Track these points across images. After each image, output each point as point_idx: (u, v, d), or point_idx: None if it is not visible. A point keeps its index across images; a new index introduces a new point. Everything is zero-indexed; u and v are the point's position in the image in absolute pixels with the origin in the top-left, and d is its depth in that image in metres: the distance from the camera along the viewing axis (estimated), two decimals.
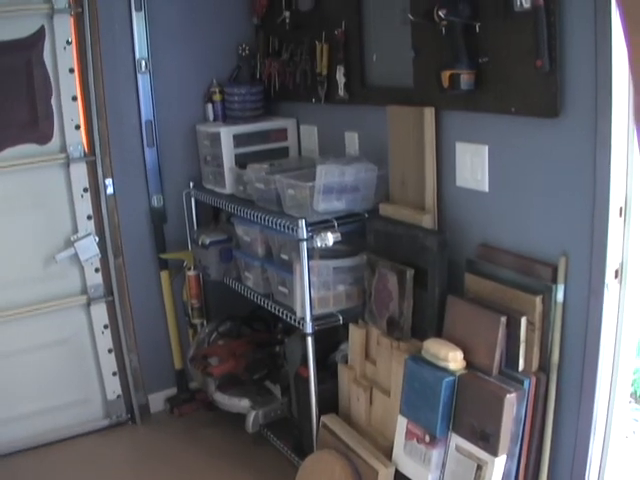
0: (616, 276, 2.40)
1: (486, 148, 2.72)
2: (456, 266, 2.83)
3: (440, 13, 2.62)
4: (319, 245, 3.00)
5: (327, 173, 3.10)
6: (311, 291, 3.10)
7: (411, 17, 2.87)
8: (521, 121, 2.54)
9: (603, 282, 2.38)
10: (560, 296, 2.48)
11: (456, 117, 2.84)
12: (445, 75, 2.66)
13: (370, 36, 3.26)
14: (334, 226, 3.09)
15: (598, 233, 2.36)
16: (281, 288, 3.32)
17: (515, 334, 2.53)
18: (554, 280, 2.49)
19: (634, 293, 2.43)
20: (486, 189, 2.75)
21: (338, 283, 3.20)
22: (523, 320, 2.51)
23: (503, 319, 2.52)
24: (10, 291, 3.83)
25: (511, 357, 2.56)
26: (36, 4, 3.64)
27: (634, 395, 3.59)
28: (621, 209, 2.35)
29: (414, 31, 2.92)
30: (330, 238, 2.99)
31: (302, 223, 3.02)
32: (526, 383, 2.51)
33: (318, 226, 3.07)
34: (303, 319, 3.14)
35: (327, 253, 3.16)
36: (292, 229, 3.07)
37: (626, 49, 1.04)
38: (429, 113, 2.87)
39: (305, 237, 3.03)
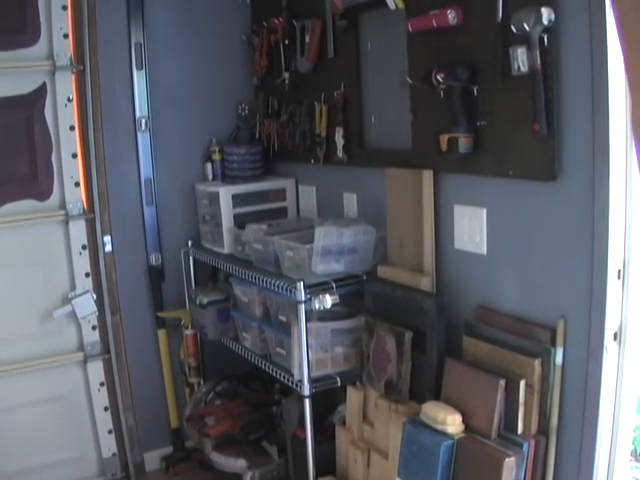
0: (615, 338, 2.39)
1: (484, 211, 2.73)
2: (454, 328, 2.82)
3: (438, 77, 2.66)
4: (317, 307, 2.99)
5: (325, 235, 3.11)
6: (309, 353, 3.08)
7: (410, 80, 2.90)
8: (519, 184, 2.56)
9: (602, 345, 2.37)
10: (559, 359, 2.47)
11: (454, 180, 2.85)
12: (443, 138, 2.69)
13: (369, 98, 3.30)
14: (332, 288, 3.09)
15: (597, 296, 2.36)
16: (279, 349, 3.31)
17: (514, 397, 2.52)
18: (553, 343, 2.48)
19: (633, 355, 2.42)
20: (484, 252, 2.76)
21: (336, 345, 3.18)
22: (522, 383, 2.50)
23: (502, 382, 2.51)
24: (6, 346, 3.81)
25: (510, 420, 2.54)
26: (38, 61, 3.69)
27: (634, 453, 3.56)
28: (619, 272, 2.36)
29: (413, 94, 2.95)
30: (328, 300, 2.99)
31: (300, 285, 3.02)
32: (525, 446, 2.48)
33: (316, 288, 3.07)
34: (300, 381, 3.13)
35: (325, 315, 3.15)
36: (290, 291, 3.07)
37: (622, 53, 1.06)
38: (427, 176, 2.88)
39: (303, 299, 3.02)
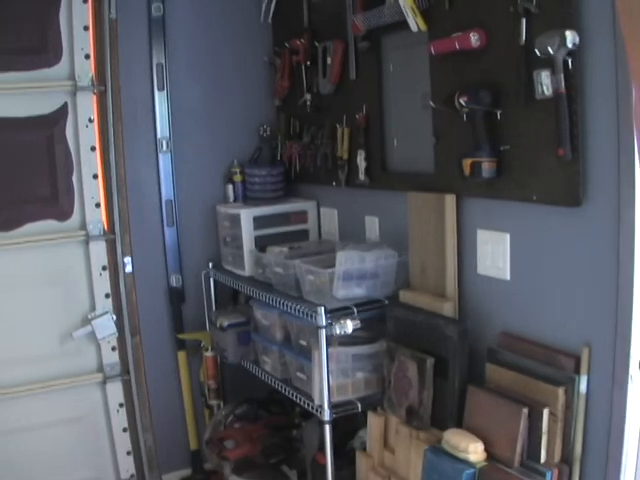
0: None
1: (508, 236, 2.70)
2: (477, 355, 2.79)
3: (461, 100, 2.64)
4: (338, 333, 2.96)
5: (347, 259, 3.09)
6: (329, 378, 3.05)
7: (432, 104, 2.88)
8: (543, 209, 2.52)
9: (627, 373, 2.33)
10: (583, 387, 2.43)
11: (477, 204, 2.83)
12: (466, 163, 2.66)
13: (391, 121, 3.28)
14: (353, 313, 3.06)
15: (622, 323, 2.32)
16: (299, 374, 3.27)
17: (537, 425, 2.47)
18: (577, 371, 2.44)
19: None
20: (507, 277, 2.73)
21: (357, 370, 3.15)
22: (545, 411, 2.46)
23: (525, 410, 2.47)
24: (26, 367, 3.81)
25: (533, 449, 2.50)
26: (60, 81, 3.71)
27: None
28: None
29: (435, 117, 2.93)
30: (349, 326, 2.95)
31: (321, 310, 2.98)
32: (548, 475, 2.44)
33: (337, 313, 3.04)
34: (321, 406, 3.09)
35: (346, 339, 3.11)
36: (311, 316, 3.04)
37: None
38: (450, 200, 2.86)
39: (324, 324, 2.99)
